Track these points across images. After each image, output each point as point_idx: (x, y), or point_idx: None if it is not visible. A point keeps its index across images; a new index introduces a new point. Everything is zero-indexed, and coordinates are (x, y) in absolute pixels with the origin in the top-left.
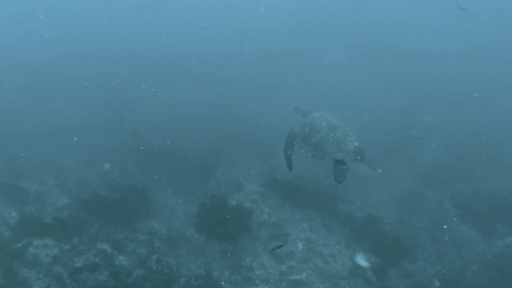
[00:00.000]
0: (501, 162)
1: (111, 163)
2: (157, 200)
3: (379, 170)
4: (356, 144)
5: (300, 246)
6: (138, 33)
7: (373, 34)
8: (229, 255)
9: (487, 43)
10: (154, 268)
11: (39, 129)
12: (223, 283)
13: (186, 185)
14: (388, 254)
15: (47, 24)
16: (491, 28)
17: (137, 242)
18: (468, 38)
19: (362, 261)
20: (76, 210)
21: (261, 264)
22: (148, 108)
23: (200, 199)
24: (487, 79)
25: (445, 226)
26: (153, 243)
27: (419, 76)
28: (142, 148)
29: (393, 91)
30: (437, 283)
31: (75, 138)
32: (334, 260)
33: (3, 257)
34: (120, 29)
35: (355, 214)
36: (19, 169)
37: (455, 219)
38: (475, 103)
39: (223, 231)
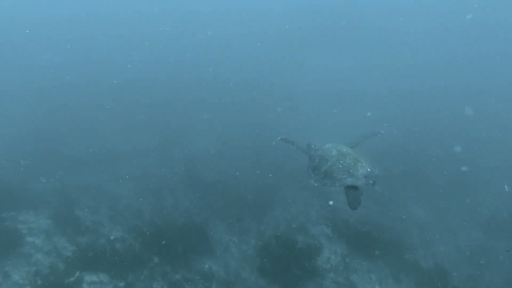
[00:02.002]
0: None
1: (163, 193)
2: (211, 237)
3: (389, 195)
4: (369, 170)
5: None
6: (186, 59)
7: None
8: None
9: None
10: None
11: (89, 153)
12: None
13: (240, 222)
14: None
15: (102, 45)
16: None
17: (194, 283)
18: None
19: None
20: (131, 243)
21: None
22: (200, 136)
23: (256, 239)
24: None
25: None
26: (210, 286)
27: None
28: (194, 179)
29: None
30: None
31: (126, 165)
32: None
33: None
34: (174, 55)
35: (421, 264)
36: (70, 195)
37: None
38: None
39: (283, 276)
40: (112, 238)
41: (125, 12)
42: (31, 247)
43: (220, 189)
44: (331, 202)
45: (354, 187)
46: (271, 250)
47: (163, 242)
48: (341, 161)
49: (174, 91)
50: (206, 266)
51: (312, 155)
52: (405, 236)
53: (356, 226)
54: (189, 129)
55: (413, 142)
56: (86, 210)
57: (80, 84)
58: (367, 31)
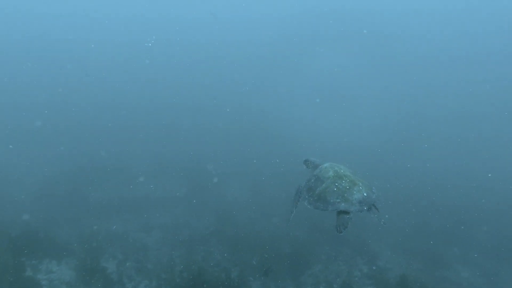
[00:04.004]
0: None
1: (194, 245)
2: None
3: (383, 222)
4: (365, 194)
5: None
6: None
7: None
8: None
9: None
10: None
11: (118, 200)
12: None
13: (276, 280)
14: None
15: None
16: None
17: None
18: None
19: None
20: None
21: None
22: (232, 183)
23: None
24: None
25: None
26: None
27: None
28: (226, 229)
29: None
30: None
31: (156, 213)
32: None
33: None
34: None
35: None
36: (96, 244)
37: None
38: None
39: None
40: None
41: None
42: None
43: (254, 241)
44: (374, 267)
45: (346, 212)
46: None
47: None
48: (336, 184)
49: (205, 133)
50: None
51: (309, 176)
52: None
53: None
54: (221, 174)
55: (457, 193)
56: (112, 261)
57: (114, 127)
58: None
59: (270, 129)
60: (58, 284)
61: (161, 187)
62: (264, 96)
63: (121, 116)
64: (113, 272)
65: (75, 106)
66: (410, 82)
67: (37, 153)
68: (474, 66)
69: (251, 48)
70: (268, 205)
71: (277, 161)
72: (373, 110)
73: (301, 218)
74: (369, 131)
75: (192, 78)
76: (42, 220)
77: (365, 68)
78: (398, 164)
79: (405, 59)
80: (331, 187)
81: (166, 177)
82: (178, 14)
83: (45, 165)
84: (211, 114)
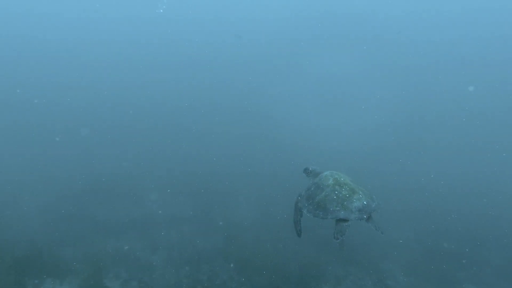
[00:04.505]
0: None
1: (200, 265)
2: None
3: (382, 233)
4: (365, 202)
5: None
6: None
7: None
8: None
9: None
10: None
11: (125, 219)
12: None
13: None
14: None
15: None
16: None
17: None
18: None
19: None
20: None
21: None
22: (240, 201)
23: None
24: None
25: None
26: None
27: None
28: (233, 249)
29: None
30: None
31: (162, 232)
32: None
33: None
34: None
35: None
36: (101, 263)
37: None
38: None
39: None
40: None
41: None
42: None
43: (261, 261)
44: None
45: (345, 220)
46: None
47: None
48: (336, 192)
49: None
50: None
51: (309, 184)
52: None
53: None
54: (229, 193)
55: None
56: (116, 280)
57: (121, 144)
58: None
59: (278, 138)
60: None
61: (168, 205)
62: (270, 102)
63: (128, 132)
64: None
65: (81, 124)
66: (413, 85)
67: (43, 171)
68: (475, 70)
69: (252, 49)
70: (276, 224)
71: (286, 175)
72: (375, 114)
73: (309, 236)
74: (370, 134)
75: (192, 81)
76: (47, 239)
77: (366, 71)
78: (403, 173)
79: (406, 63)
80: (331, 195)
81: (174, 195)
82: (177, 14)
83: (52, 183)
84: (217, 125)
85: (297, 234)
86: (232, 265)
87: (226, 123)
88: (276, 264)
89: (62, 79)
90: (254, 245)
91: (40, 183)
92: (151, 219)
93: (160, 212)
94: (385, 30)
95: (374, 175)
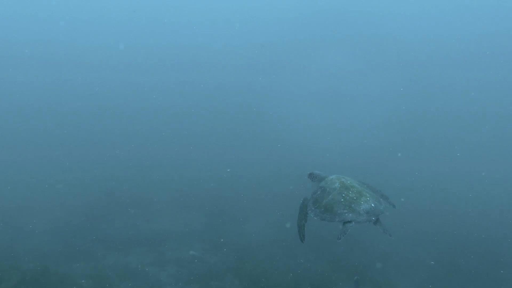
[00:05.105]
0: None
1: (209, 281)
2: None
3: (390, 235)
4: (372, 205)
5: None
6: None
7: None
8: None
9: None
10: None
11: (135, 233)
12: None
13: None
14: None
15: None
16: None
17: None
18: None
19: None
20: None
21: None
22: (253, 217)
23: None
24: None
25: None
26: None
27: None
28: (245, 267)
29: None
30: None
31: (172, 247)
32: None
33: None
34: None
35: None
36: (108, 279)
37: None
38: None
39: None
40: None
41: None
42: None
43: (272, 279)
44: None
45: (351, 222)
46: None
47: None
48: (343, 195)
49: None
50: None
51: (315, 188)
52: None
53: None
54: (241, 207)
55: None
56: None
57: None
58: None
59: (290, 143)
60: None
61: (179, 220)
62: (282, 104)
63: (137, 144)
64: None
65: (90, 137)
66: (415, 83)
67: (52, 184)
68: (476, 67)
69: (252, 51)
70: (289, 240)
71: (302, 191)
72: (376, 113)
73: (322, 254)
74: (377, 132)
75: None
76: (53, 253)
77: (367, 70)
78: (412, 177)
79: (408, 61)
80: (338, 198)
81: (184, 209)
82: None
83: (61, 196)
84: (227, 130)
85: (300, 239)
86: (242, 283)
87: (235, 128)
88: (287, 282)
89: (61, 83)
90: (265, 262)
91: (52, 196)
92: (161, 234)
93: (170, 226)
94: (388, 29)
95: (387, 174)
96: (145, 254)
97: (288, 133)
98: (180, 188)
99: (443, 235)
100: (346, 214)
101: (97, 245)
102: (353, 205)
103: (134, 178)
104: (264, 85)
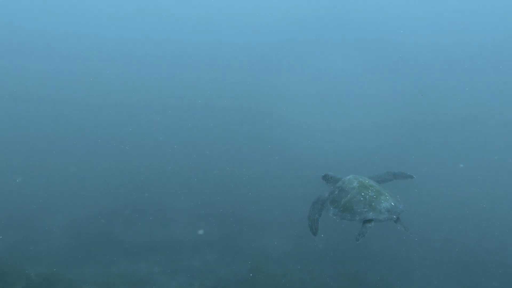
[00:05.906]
0: None
1: None
2: None
3: (411, 234)
4: (392, 204)
5: None
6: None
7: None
8: None
9: None
10: None
11: (149, 241)
12: None
13: None
14: None
15: None
16: None
17: None
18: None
19: None
20: None
21: None
22: (270, 229)
23: None
24: None
25: None
26: None
27: None
28: (259, 280)
29: None
30: None
31: (184, 256)
32: None
33: None
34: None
35: None
36: (115, 284)
37: None
38: None
39: None
40: None
41: None
42: None
43: None
44: None
45: (369, 221)
46: None
47: None
48: (362, 193)
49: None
50: None
51: (331, 188)
52: None
53: None
54: (258, 219)
55: None
56: None
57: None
58: None
59: (302, 148)
60: None
61: (195, 228)
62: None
63: (153, 153)
64: None
65: (107, 144)
66: (415, 85)
67: (66, 191)
68: (477, 71)
69: (253, 51)
70: (306, 254)
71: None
72: (376, 114)
73: (337, 268)
74: (381, 133)
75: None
76: (65, 257)
77: (371, 73)
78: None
79: (409, 63)
80: (357, 197)
81: (201, 217)
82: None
83: (75, 203)
84: (242, 134)
85: (312, 233)
86: None
87: (250, 132)
88: None
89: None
90: (280, 276)
91: (60, 203)
92: (175, 241)
93: (186, 233)
94: (390, 32)
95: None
96: (157, 262)
97: (298, 136)
98: (199, 194)
99: (448, 241)
100: (367, 213)
101: (109, 251)
102: (373, 203)
103: (154, 185)
104: (271, 87)
